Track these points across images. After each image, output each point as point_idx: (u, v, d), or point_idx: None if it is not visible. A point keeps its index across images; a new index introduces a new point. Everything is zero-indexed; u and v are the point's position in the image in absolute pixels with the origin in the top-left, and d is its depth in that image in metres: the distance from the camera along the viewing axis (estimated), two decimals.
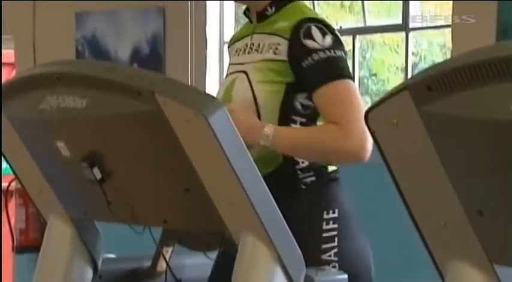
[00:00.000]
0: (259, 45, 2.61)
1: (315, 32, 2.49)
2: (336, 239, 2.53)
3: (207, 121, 1.76)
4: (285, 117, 2.52)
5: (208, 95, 1.99)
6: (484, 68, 1.30)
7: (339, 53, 2.52)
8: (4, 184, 5.96)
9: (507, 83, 1.27)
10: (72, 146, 2.00)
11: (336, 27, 6.13)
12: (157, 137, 1.86)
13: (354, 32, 6.33)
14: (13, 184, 4.63)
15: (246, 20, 2.75)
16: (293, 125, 2.54)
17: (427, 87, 1.41)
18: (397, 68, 6.77)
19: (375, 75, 7.09)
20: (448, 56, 5.54)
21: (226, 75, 2.72)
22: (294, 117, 2.53)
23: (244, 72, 2.58)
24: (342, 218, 2.56)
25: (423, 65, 6.18)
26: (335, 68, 2.50)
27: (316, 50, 2.48)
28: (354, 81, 2.59)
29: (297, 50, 2.49)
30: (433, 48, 6.36)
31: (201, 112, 1.77)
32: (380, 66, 6.97)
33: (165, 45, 6.35)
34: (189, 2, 6.15)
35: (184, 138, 1.83)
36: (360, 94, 2.64)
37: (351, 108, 2.48)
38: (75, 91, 1.94)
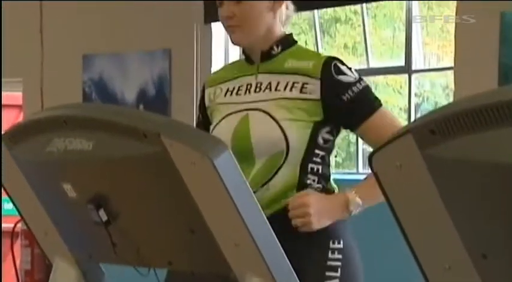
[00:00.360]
0: (270, 83, 2.65)
1: (343, 68, 2.62)
2: (339, 269, 2.58)
3: (212, 164, 1.76)
4: (309, 152, 2.61)
5: (213, 137, 2.00)
6: (486, 112, 1.30)
7: (364, 81, 2.66)
8: (10, 225, 5.97)
9: (509, 127, 1.28)
10: (79, 188, 2.00)
11: None
12: (163, 178, 1.87)
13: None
14: (19, 225, 4.64)
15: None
16: (315, 158, 2.61)
17: (430, 130, 1.41)
18: (400, 109, 6.78)
19: None
20: (451, 97, 5.56)
21: (223, 114, 2.71)
22: (317, 152, 2.63)
23: (261, 110, 2.60)
24: (346, 249, 2.61)
25: (426, 106, 6.20)
26: (372, 98, 2.64)
27: (353, 83, 2.60)
28: None
29: (333, 87, 2.59)
30: (436, 89, 6.37)
31: (206, 155, 1.77)
32: None
33: (171, 86, 6.38)
34: (195, 43, 6.18)
35: (190, 180, 1.82)
36: None
37: None
38: (82, 134, 1.95)
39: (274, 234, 1.86)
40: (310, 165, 2.62)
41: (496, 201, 1.36)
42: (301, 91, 2.60)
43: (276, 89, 2.64)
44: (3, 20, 7.11)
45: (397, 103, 6.77)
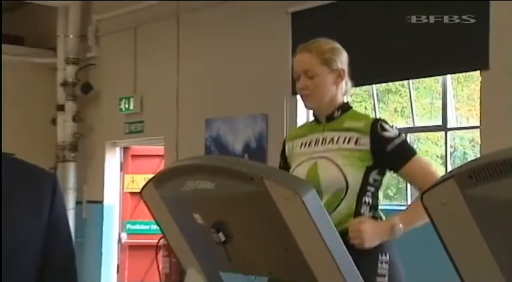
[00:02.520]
0: (332, 138, 2.63)
1: (386, 126, 2.58)
2: (387, 276, 2.50)
3: (301, 199, 1.74)
4: (363, 189, 2.56)
5: (302, 179, 1.98)
6: (509, 163, 1.27)
7: (404, 136, 2.64)
8: (154, 241, 6.07)
9: None
10: (204, 217, 2.00)
11: None
12: (265, 210, 1.84)
13: (405, 130, 6.28)
14: (161, 241, 4.59)
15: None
16: (367, 193, 2.57)
17: (468, 176, 1.37)
18: (437, 156, 6.67)
19: None
20: (476, 148, 5.44)
21: (299, 162, 2.68)
22: (368, 188, 2.59)
23: (328, 158, 2.58)
24: (392, 262, 2.53)
25: (457, 154, 6.05)
26: (409, 148, 2.60)
27: (394, 138, 2.54)
28: None
29: (379, 141, 2.54)
30: (464, 142, 6.25)
31: (297, 192, 1.75)
32: (425, 155, 6.89)
33: (267, 141, 6.37)
34: (285, 109, 6.18)
35: (285, 212, 1.79)
36: None
37: (432, 174, 2.54)
38: (207, 177, 1.94)
39: (346, 250, 1.81)
40: (363, 199, 2.57)
41: None
42: (355, 144, 2.57)
43: (337, 142, 2.61)
44: (150, 94, 7.25)
45: (435, 152, 6.66)
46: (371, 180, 2.57)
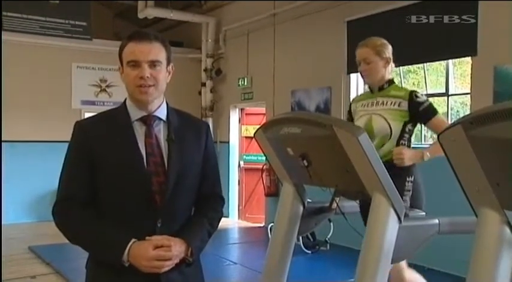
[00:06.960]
0: (383, 102, 2.52)
1: (418, 95, 2.47)
2: (411, 190, 2.41)
3: (357, 139, 1.70)
4: (401, 135, 2.47)
5: (358, 126, 1.92)
6: (494, 114, 1.22)
7: (430, 101, 2.48)
8: (259, 166, 6.22)
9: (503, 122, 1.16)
10: (294, 150, 1.99)
11: None
12: (333, 146, 1.80)
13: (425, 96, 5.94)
14: (265, 166, 4.52)
15: (367, 90, 2.68)
16: (404, 138, 2.48)
17: (469, 122, 1.30)
18: (441, 113, 6.33)
19: None
20: (465, 108, 5.14)
21: (359, 116, 2.59)
22: (405, 135, 2.48)
23: (379, 114, 2.49)
24: (415, 181, 2.44)
25: (452, 112, 5.70)
26: (433, 109, 2.46)
27: (423, 102, 2.44)
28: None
29: (415, 104, 2.43)
30: (457, 104, 5.90)
31: (354, 135, 1.71)
32: None
33: (331, 104, 6.23)
34: (342, 84, 6.00)
35: (346, 147, 1.76)
36: None
37: (446, 124, 2.36)
38: (295, 125, 1.93)
39: (387, 172, 1.77)
40: (400, 141, 2.47)
41: (503, 157, 1.23)
42: (398, 106, 2.46)
43: (385, 104, 2.51)
44: (252, 69, 7.22)
45: (440, 111, 6.34)
46: (407, 129, 2.48)
